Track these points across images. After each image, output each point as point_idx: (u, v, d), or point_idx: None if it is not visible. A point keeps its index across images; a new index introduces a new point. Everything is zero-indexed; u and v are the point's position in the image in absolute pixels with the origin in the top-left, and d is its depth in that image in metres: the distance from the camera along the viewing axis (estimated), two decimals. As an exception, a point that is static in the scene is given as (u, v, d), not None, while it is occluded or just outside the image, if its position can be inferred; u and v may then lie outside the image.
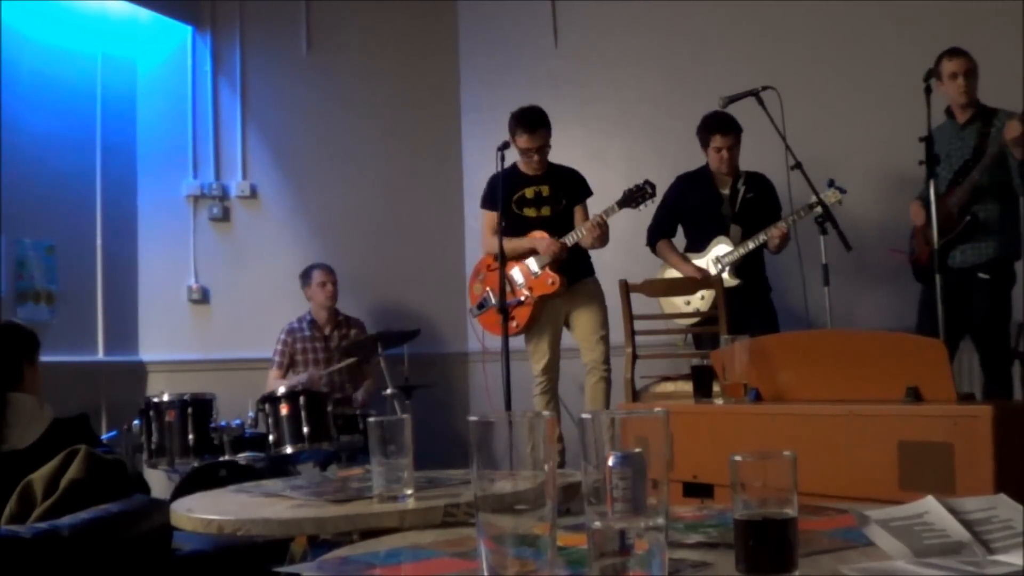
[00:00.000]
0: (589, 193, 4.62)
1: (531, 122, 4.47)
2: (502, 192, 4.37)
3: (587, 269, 4.64)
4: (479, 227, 4.95)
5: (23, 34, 4.71)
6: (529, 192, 4.60)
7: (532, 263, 4.56)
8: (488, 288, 4.59)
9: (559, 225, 4.51)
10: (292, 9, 5.77)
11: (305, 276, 5.20)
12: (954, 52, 4.05)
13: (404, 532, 1.54)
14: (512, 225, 4.49)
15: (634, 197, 4.41)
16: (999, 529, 1.12)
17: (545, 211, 4.59)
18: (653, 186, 4.39)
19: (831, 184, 4.13)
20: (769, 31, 5.20)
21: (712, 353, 2.94)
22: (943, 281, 3.63)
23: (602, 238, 4.45)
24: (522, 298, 4.53)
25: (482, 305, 4.61)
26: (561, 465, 4.33)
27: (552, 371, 4.59)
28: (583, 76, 5.61)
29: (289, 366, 5.09)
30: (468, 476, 0.94)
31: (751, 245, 4.35)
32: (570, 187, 4.60)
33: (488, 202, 4.67)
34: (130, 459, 4.07)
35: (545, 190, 4.60)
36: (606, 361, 4.50)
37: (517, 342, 4.61)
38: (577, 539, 1.12)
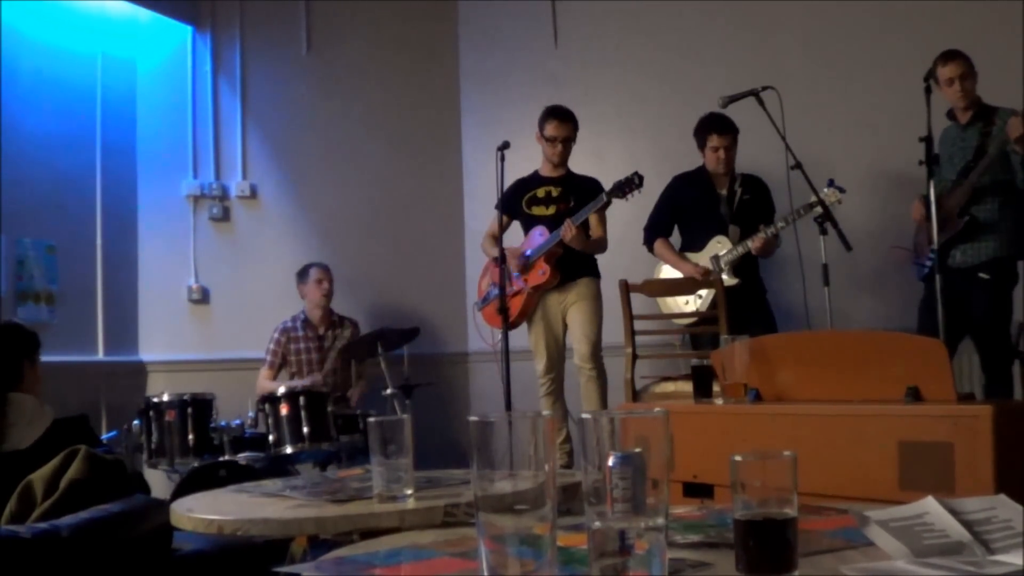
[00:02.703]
0: (605, 201, 4.49)
1: (562, 113, 4.65)
2: (517, 194, 4.65)
3: (588, 269, 4.64)
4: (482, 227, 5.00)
5: (23, 34, 4.71)
6: (541, 192, 4.70)
7: (529, 255, 4.59)
8: (494, 282, 4.63)
9: (561, 224, 4.49)
10: (292, 9, 5.77)
11: (302, 274, 5.19)
12: (948, 56, 4.03)
13: (404, 532, 1.54)
14: (522, 224, 4.73)
15: (621, 188, 4.37)
16: (999, 529, 1.12)
17: (551, 210, 4.63)
18: (641, 177, 4.35)
19: (831, 184, 4.13)
20: (769, 31, 5.20)
21: (712, 353, 2.94)
22: (943, 281, 3.64)
23: (576, 241, 4.42)
24: (518, 288, 4.57)
25: (486, 298, 4.77)
26: (568, 465, 4.34)
27: (552, 372, 4.61)
28: (583, 76, 5.61)
29: (281, 366, 5.09)
30: (468, 476, 0.94)
31: (749, 244, 4.36)
32: (584, 192, 4.58)
33: (499, 204, 4.69)
34: (130, 459, 4.07)
35: (555, 191, 4.67)
36: (590, 359, 4.50)
37: (520, 342, 4.62)
38: (577, 539, 1.12)
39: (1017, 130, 3.80)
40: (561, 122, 4.62)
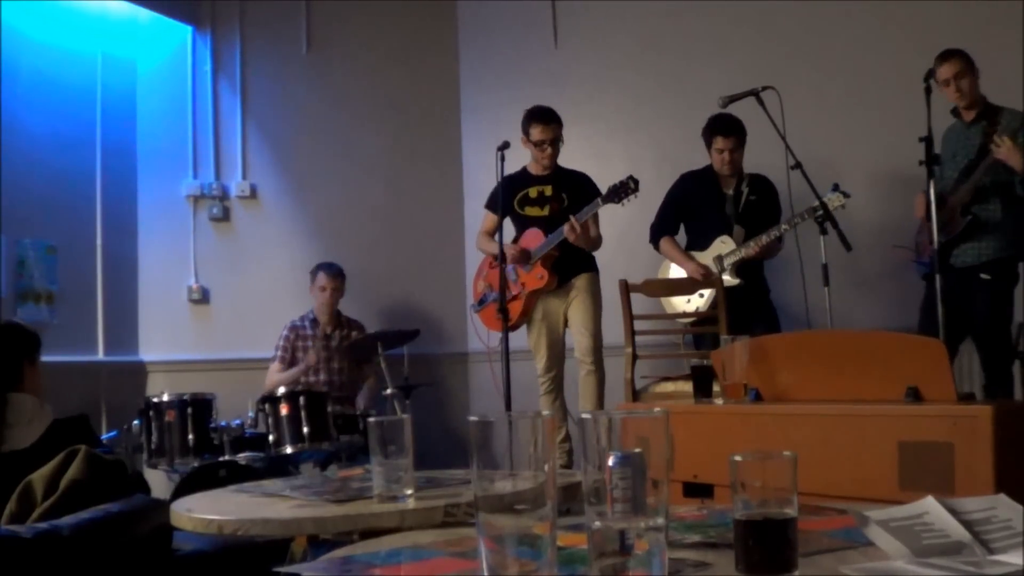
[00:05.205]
0: (597, 195, 4.50)
1: (545, 115, 4.59)
2: (508, 193, 4.52)
3: (586, 265, 4.62)
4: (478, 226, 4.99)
5: (23, 34, 4.71)
6: (533, 192, 4.66)
7: (532, 252, 4.59)
8: (489, 284, 4.64)
9: (557, 225, 4.50)
10: (292, 9, 5.77)
11: (312, 274, 5.21)
12: (944, 56, 4.04)
13: (404, 532, 1.54)
14: (514, 224, 4.67)
15: (617, 193, 4.35)
16: (999, 529, 1.12)
17: (545, 210, 4.62)
18: (636, 181, 4.32)
19: (835, 188, 4.12)
20: (769, 31, 5.20)
21: (712, 353, 2.94)
22: (945, 281, 3.63)
23: (581, 239, 4.42)
24: (515, 292, 4.56)
25: (482, 301, 4.75)
26: (568, 465, 4.34)
27: (552, 371, 4.62)
28: (583, 76, 5.61)
29: (291, 362, 5.11)
30: (468, 476, 0.94)
31: (752, 246, 4.35)
32: (576, 189, 4.59)
33: (490, 203, 4.76)
34: (130, 459, 4.07)
35: (548, 190, 4.64)
36: (591, 353, 4.50)
37: (520, 342, 4.62)
38: (577, 539, 1.12)
39: (1000, 153, 3.83)
40: (546, 125, 4.56)
